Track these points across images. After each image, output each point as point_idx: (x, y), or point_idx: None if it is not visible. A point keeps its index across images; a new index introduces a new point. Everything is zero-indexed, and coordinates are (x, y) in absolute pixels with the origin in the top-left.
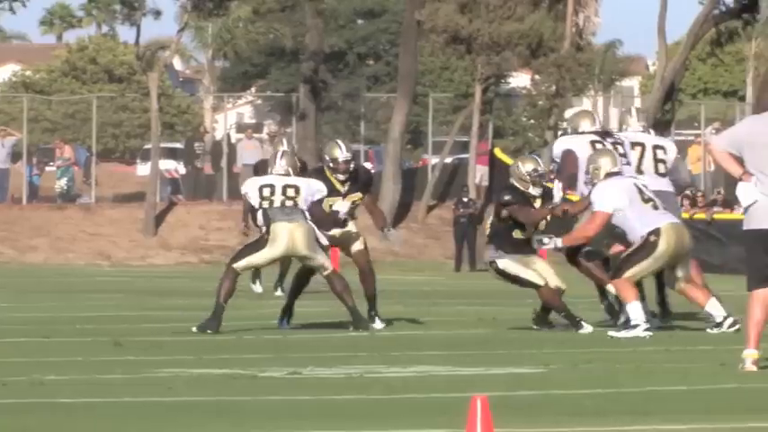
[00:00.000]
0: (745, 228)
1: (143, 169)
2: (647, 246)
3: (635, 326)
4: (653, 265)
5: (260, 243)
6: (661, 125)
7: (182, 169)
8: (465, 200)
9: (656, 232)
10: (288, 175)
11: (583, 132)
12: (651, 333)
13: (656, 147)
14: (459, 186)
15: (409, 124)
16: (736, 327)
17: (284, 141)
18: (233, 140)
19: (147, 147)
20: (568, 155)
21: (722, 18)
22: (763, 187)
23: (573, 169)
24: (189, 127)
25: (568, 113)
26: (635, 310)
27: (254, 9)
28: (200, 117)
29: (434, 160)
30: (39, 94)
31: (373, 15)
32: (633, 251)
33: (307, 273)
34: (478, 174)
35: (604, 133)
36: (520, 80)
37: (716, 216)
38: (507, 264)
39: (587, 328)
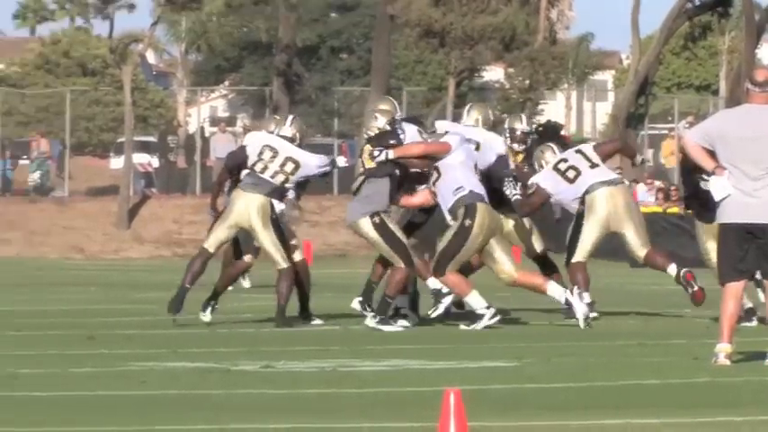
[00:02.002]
0: (717, 221)
1: (116, 163)
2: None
3: (481, 315)
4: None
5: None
6: (635, 119)
7: (155, 163)
8: None
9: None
10: (293, 140)
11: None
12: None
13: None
14: None
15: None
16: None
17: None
18: (206, 134)
19: (120, 140)
20: None
21: (696, 12)
22: (735, 181)
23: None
24: (162, 120)
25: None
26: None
27: (227, 2)
28: (173, 111)
29: None
30: (12, 88)
31: (347, 9)
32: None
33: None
34: None
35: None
36: (493, 74)
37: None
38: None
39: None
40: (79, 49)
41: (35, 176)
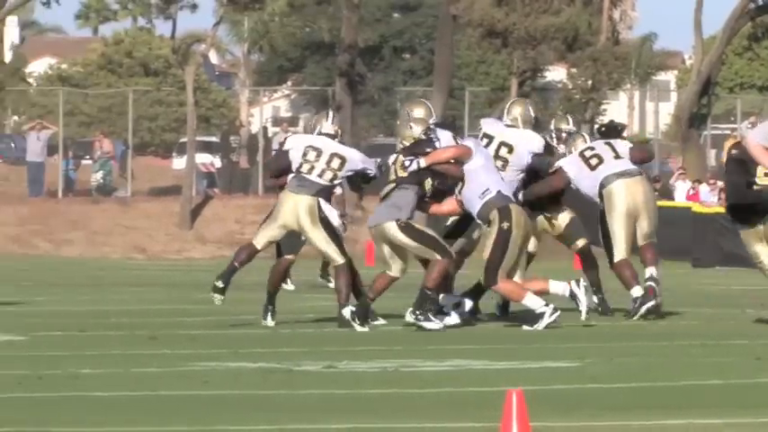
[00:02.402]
0: None
1: (179, 163)
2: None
3: (541, 314)
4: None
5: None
6: (698, 119)
7: (217, 163)
8: None
9: None
10: (336, 136)
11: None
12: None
13: (501, 143)
14: None
15: (446, 118)
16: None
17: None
18: (269, 134)
19: (182, 140)
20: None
21: (758, 12)
22: None
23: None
24: (225, 120)
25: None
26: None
27: (289, 2)
28: (235, 111)
29: None
30: (75, 88)
31: (409, 9)
32: None
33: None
34: None
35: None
36: (556, 74)
37: None
38: None
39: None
40: (142, 50)
41: (98, 176)
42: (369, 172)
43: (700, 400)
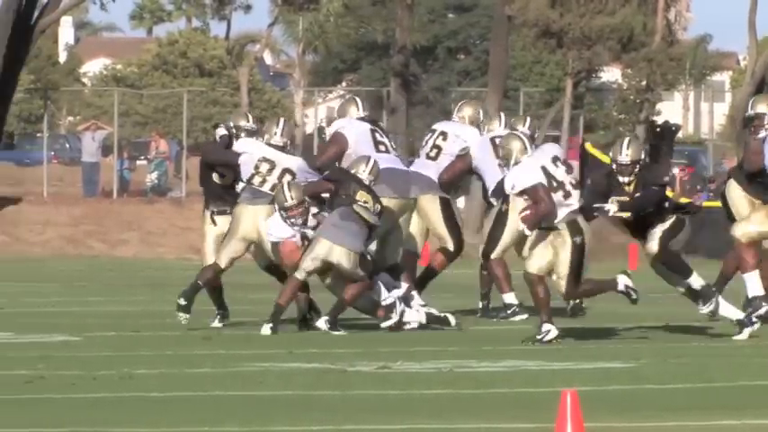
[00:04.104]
0: None
1: None
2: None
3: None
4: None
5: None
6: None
7: None
8: None
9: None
10: (285, 148)
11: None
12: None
13: (440, 133)
14: None
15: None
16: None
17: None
18: (324, 134)
19: None
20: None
21: None
22: None
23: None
24: None
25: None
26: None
27: (344, 3)
28: (290, 111)
29: None
30: (129, 88)
31: (464, 9)
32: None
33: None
34: None
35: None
36: (611, 74)
37: None
38: None
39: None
40: (196, 50)
41: (153, 177)
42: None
43: (755, 400)
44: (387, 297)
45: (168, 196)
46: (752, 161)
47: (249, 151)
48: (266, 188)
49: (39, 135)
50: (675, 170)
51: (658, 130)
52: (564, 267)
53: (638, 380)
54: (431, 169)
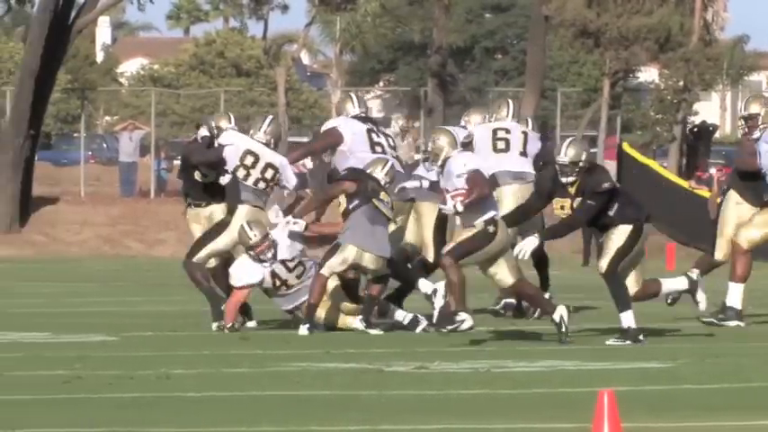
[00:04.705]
0: None
1: None
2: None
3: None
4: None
5: (220, 227)
6: None
7: (309, 163)
8: None
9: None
10: (268, 145)
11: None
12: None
13: None
14: None
15: (537, 119)
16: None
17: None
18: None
19: None
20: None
21: None
22: None
23: None
24: (316, 121)
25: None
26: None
27: (381, 3)
28: (327, 111)
29: None
30: (166, 88)
31: (501, 9)
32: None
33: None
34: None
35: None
36: (648, 75)
37: None
38: None
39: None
40: (233, 50)
41: None
42: (285, 185)
43: None
44: (427, 287)
45: None
46: (747, 162)
47: (234, 143)
48: (250, 182)
49: (76, 135)
50: (713, 170)
51: (696, 130)
52: (458, 239)
53: (675, 380)
54: (433, 173)
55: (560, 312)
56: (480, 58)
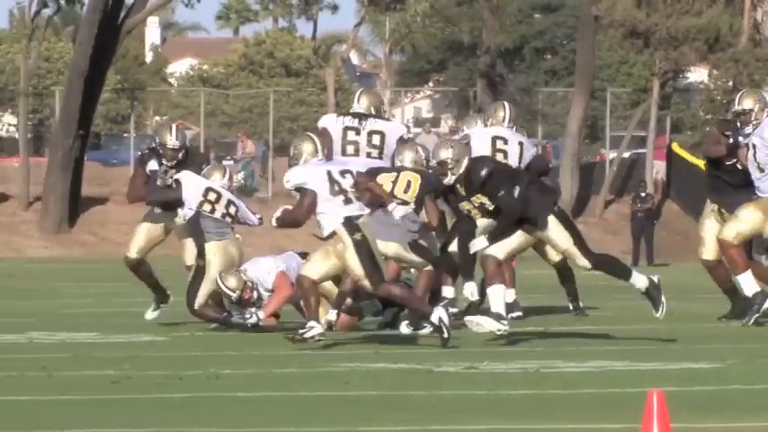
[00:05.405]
0: None
1: None
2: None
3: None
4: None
5: (198, 275)
6: None
7: None
8: (642, 195)
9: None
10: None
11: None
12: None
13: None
14: (636, 181)
15: (587, 119)
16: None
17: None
18: (410, 134)
19: None
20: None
21: None
22: None
23: None
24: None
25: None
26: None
27: (431, 3)
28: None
29: (612, 155)
30: (216, 89)
31: (550, 9)
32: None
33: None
34: (656, 168)
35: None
36: (698, 75)
37: None
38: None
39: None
40: (283, 50)
41: (240, 177)
42: (248, 222)
43: None
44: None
45: (254, 197)
46: (711, 150)
47: (194, 185)
48: (217, 215)
49: (125, 135)
50: None
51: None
52: (357, 268)
53: (723, 380)
54: None
55: (438, 314)
56: (530, 59)
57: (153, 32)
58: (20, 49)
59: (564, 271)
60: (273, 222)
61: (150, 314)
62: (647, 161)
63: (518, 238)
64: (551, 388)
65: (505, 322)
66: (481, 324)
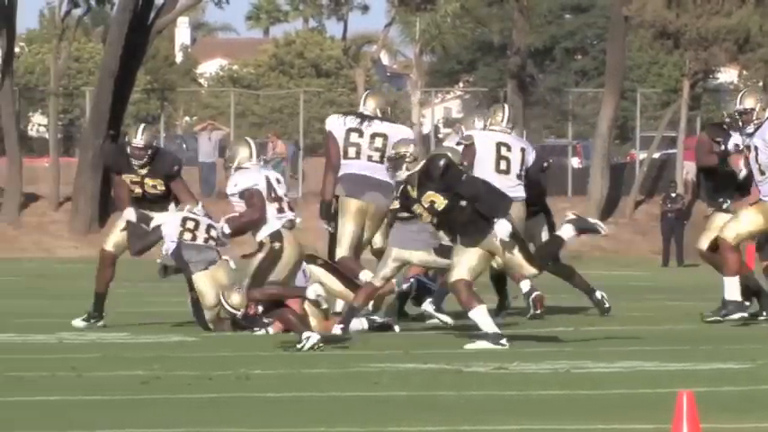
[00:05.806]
0: None
1: None
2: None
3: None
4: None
5: (198, 303)
6: None
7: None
8: (673, 195)
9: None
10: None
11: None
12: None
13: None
14: (666, 182)
15: (617, 119)
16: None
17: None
18: (440, 134)
19: None
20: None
21: None
22: None
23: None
24: (396, 122)
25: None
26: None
27: (461, 4)
28: (407, 112)
29: (642, 155)
30: (246, 89)
31: (581, 10)
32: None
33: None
34: (686, 169)
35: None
36: (728, 75)
37: None
38: None
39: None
40: (313, 51)
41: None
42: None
43: None
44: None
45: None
46: (704, 160)
47: (170, 220)
48: (199, 241)
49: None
50: None
51: None
52: (251, 266)
53: (754, 381)
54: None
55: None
56: (560, 59)
57: (183, 33)
58: (50, 49)
59: (563, 270)
60: (225, 228)
61: (78, 322)
62: (677, 162)
63: (475, 254)
64: (581, 388)
65: (504, 341)
66: (480, 348)
